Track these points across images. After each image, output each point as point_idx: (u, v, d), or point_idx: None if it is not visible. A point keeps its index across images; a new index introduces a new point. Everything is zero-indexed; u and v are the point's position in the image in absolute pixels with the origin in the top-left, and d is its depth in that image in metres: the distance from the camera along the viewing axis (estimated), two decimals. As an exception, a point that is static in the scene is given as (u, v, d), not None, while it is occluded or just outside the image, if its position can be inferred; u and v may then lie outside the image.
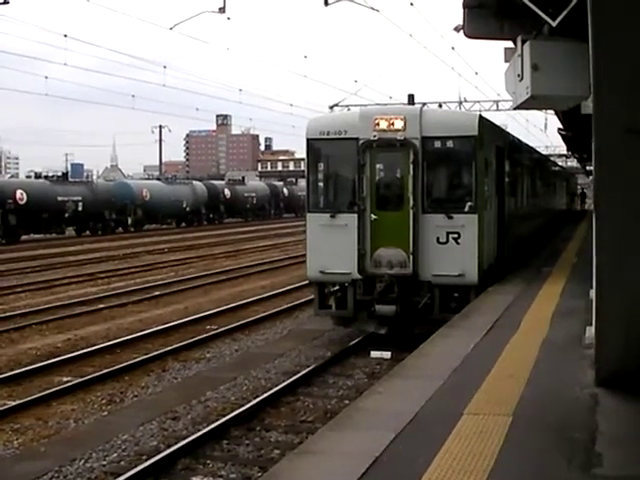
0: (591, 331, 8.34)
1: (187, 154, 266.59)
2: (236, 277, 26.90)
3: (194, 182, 68.16)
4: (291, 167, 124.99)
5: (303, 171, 17.53)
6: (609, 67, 6.26)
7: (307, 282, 16.53)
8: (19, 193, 45.10)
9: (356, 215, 14.81)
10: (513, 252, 18.78)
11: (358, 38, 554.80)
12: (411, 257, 14.55)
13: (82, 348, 15.18)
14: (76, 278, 26.77)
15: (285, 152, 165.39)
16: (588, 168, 55.08)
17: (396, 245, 14.70)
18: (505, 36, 13.24)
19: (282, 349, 15.10)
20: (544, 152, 50.47)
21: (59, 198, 47.88)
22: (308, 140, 15.41)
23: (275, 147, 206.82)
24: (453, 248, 14.52)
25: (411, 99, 17.29)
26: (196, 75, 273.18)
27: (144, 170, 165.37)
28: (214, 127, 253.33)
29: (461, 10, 13.29)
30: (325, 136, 15.15)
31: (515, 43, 12.36)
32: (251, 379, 12.89)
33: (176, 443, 9.40)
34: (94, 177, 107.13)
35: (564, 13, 10.41)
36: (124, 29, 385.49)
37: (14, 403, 11.50)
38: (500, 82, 14.64)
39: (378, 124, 14.70)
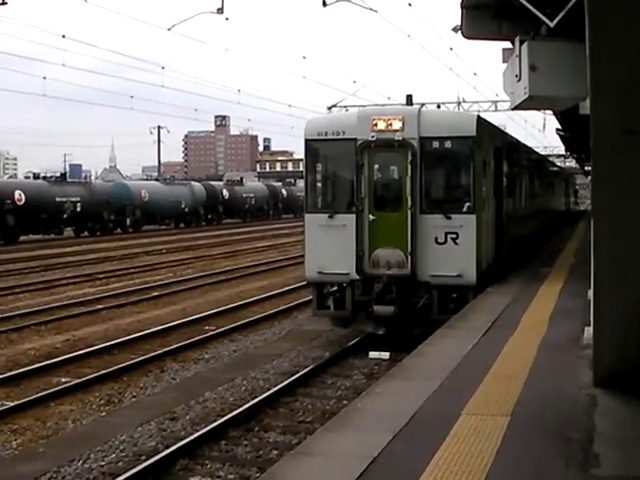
0: (589, 331, 8.35)
1: (186, 155, 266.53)
2: (234, 278, 26.89)
3: (192, 183, 68.15)
4: (290, 168, 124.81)
5: (302, 172, 17.50)
6: (606, 67, 6.26)
7: (305, 283, 16.52)
8: (17, 194, 45.06)
9: (354, 215, 14.81)
10: (511, 252, 18.78)
11: (356, 39, 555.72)
12: (409, 257, 14.55)
13: (81, 349, 15.18)
14: (75, 279, 26.76)
15: (284, 153, 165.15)
16: (586, 168, 55.06)
17: (394, 246, 14.70)
18: (503, 37, 13.24)
19: (280, 350, 15.10)
20: (542, 152, 50.47)
21: (57, 199, 47.83)
22: (306, 141, 15.40)
23: (274, 148, 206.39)
24: (451, 249, 14.51)
25: (409, 99, 17.30)
26: (194, 76, 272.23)
27: (143, 171, 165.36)
28: (213, 128, 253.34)
29: (459, 11, 13.29)
30: (323, 137, 15.15)
31: (513, 44, 12.37)
32: (249, 380, 12.88)
33: (174, 444, 9.40)
34: (92, 178, 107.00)
35: (562, 14, 10.43)
36: (122, 30, 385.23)
37: (13, 404, 11.50)
38: (498, 83, 14.64)
39: (376, 125, 14.70)
